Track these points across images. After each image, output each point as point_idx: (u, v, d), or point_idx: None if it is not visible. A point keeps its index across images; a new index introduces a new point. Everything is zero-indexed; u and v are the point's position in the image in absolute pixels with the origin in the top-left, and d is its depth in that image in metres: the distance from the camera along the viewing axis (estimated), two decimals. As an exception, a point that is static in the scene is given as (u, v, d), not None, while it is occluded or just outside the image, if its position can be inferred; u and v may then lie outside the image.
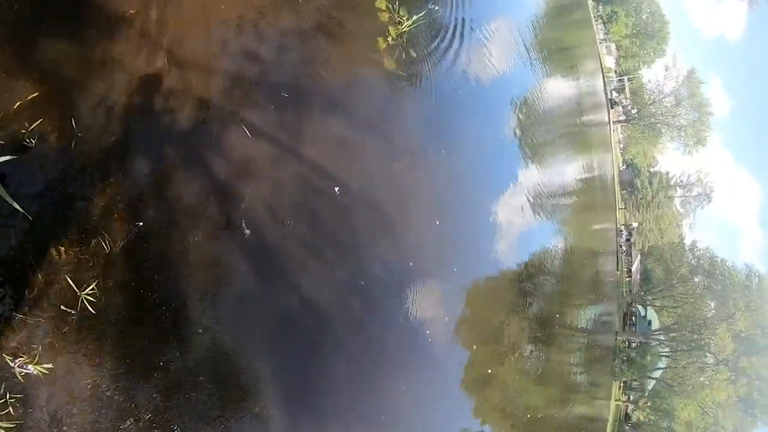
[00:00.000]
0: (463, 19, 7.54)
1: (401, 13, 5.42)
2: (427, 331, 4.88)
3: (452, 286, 5.54)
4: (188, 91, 2.93)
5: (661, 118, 47.42)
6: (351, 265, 3.96)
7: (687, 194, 45.12)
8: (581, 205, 15.11)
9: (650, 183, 43.53)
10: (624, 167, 43.92)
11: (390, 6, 5.34)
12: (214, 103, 3.08)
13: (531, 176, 9.13)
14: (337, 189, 3.78)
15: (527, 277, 8.02)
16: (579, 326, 13.36)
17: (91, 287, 2.22)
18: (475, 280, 6.21)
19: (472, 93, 7.28)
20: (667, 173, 46.40)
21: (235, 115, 3.16)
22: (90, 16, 2.55)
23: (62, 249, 2.27)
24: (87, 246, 2.33)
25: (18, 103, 2.08)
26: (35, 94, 2.12)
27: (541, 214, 9.49)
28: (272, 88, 3.58)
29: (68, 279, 2.13)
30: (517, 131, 9.06)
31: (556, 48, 20.42)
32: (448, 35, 6.76)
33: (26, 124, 2.03)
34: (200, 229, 2.75)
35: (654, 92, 51.32)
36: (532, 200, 8.89)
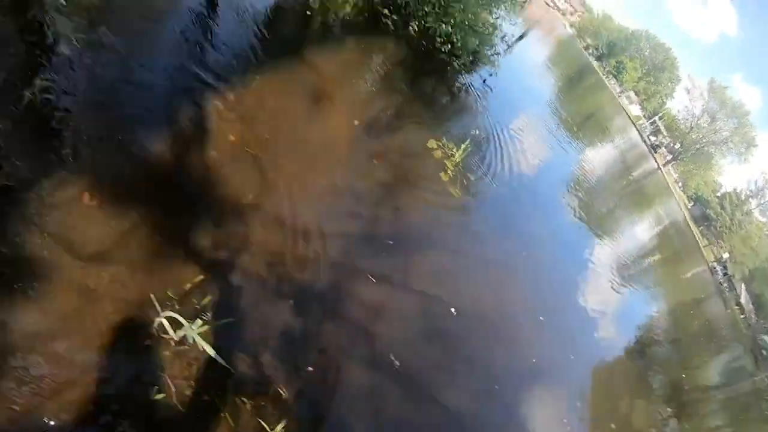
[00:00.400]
0: (498, 130, 8.33)
1: (450, 146, 6.12)
2: (564, 420, 4.86)
3: (574, 376, 5.55)
4: (317, 257, 3.48)
5: (704, 140, 46.42)
6: (483, 374, 4.18)
7: (762, 201, 42.18)
8: (665, 259, 14.65)
9: (722, 208, 41.04)
10: (691, 204, 41.97)
11: (439, 143, 6.07)
12: (341, 262, 3.60)
13: (607, 251, 9.20)
14: (453, 310, 4.16)
15: (640, 352, 7.75)
16: (710, 384, 12.25)
17: (281, 425, 2.56)
18: (592, 366, 6.15)
19: (528, 189, 7.78)
20: (735, 190, 43.83)
21: (359, 267, 3.67)
22: (217, 207, 3.20)
23: (251, 394, 2.65)
24: (268, 390, 2.70)
25: (188, 285, 2.64)
26: (200, 277, 2.69)
27: (631, 284, 9.35)
28: (379, 238, 4.13)
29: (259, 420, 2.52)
30: (579, 211, 9.35)
31: (582, 119, 21.15)
32: (492, 149, 7.43)
33: (198, 300, 2.55)
34: (357, 365, 3.14)
35: (687, 119, 50.95)
36: (617, 274, 8.86)
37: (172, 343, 2.39)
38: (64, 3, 3.17)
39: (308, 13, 6.22)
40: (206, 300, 2.55)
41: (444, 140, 6.15)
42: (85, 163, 2.73)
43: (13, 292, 2.10)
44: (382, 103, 5.91)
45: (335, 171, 4.43)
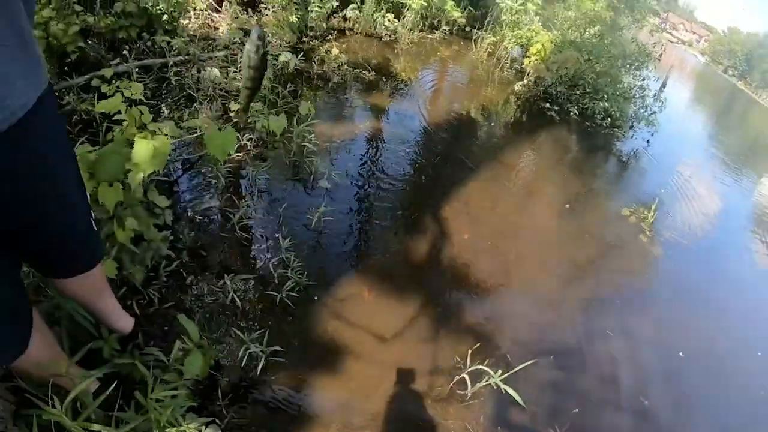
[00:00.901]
0: (676, 183, 8.60)
1: (641, 210, 6.58)
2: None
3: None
4: (563, 321, 4.05)
5: None
6: (720, 403, 4.35)
7: None
8: None
9: None
10: None
11: (631, 210, 6.56)
12: (583, 322, 4.20)
13: None
14: (681, 353, 4.48)
15: None
16: None
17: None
18: None
19: (719, 235, 7.77)
20: None
21: (598, 326, 4.18)
22: (471, 290, 3.76)
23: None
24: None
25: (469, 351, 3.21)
26: (476, 345, 3.25)
27: None
28: (606, 300, 4.67)
29: None
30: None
31: (750, 148, 19.57)
32: (676, 203, 7.69)
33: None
34: (613, 408, 3.61)
35: None
36: None
37: (468, 397, 2.94)
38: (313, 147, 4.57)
39: (480, 119, 7.48)
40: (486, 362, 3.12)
41: (634, 206, 6.64)
42: (360, 267, 3.66)
43: (318, 371, 2.73)
44: (572, 185, 6.65)
45: (554, 249, 5.16)
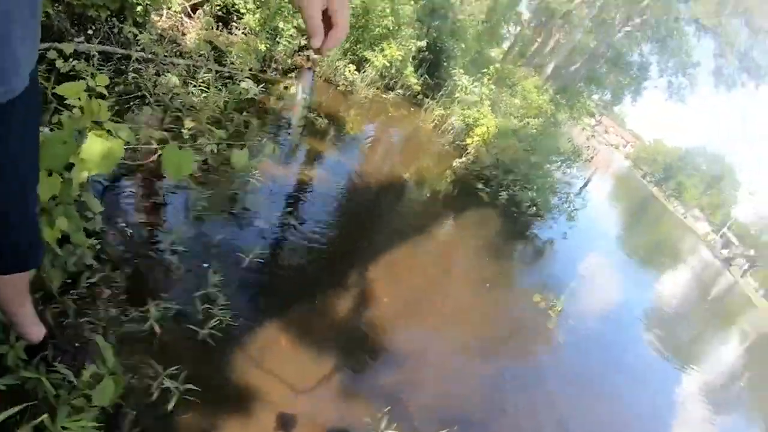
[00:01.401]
0: (585, 275, 9.27)
1: (551, 297, 6.95)
2: None
3: None
4: (467, 393, 4.07)
5: (780, 240, 45.29)
6: None
7: None
8: (758, 376, 13.86)
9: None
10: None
11: (542, 296, 6.90)
12: (489, 396, 4.33)
13: (696, 380, 9.18)
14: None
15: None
16: None
17: None
18: None
19: (616, 326, 8.40)
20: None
21: (500, 403, 4.38)
22: (386, 351, 3.59)
23: None
24: None
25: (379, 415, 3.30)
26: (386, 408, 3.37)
27: (724, 411, 9.19)
28: (509, 380, 4.86)
29: None
30: (661, 343, 9.68)
31: (652, 248, 21.40)
32: (583, 294, 8.25)
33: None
34: None
35: (757, 222, 49.72)
36: (709, 402, 8.79)
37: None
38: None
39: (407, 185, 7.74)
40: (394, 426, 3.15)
41: (545, 292, 7.01)
42: (284, 315, 3.61)
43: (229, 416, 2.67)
44: (491, 266, 6.95)
45: (468, 325, 5.30)
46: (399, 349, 4.09)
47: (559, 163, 11.14)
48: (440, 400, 3.91)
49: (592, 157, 16.04)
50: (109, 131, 2.39)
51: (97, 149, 2.22)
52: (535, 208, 9.64)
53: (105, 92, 2.96)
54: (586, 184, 17.12)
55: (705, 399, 8.85)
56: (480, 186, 9.22)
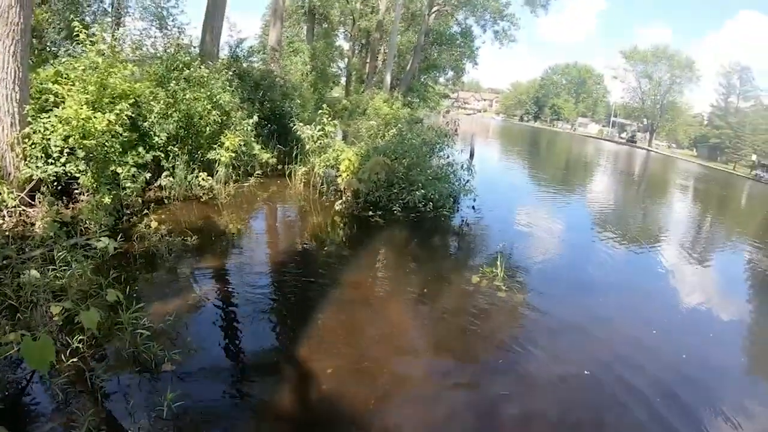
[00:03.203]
0: (509, 233, 9.42)
1: (488, 270, 6.89)
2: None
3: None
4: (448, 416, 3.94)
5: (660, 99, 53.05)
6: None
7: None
8: None
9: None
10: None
11: (481, 275, 6.81)
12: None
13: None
14: (587, 372, 4.53)
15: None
16: None
17: None
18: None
19: (559, 245, 8.56)
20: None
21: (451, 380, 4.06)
22: (340, 416, 3.69)
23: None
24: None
25: None
26: None
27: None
28: (487, 364, 4.61)
29: None
30: (621, 234, 10.04)
31: (564, 173, 22.48)
32: (516, 250, 8.31)
33: None
34: None
35: (635, 97, 56.90)
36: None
37: None
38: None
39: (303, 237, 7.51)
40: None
41: (481, 269, 6.96)
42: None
43: None
44: (419, 275, 6.82)
45: (426, 344, 5.10)
46: (361, 409, 3.82)
47: (431, 151, 11.38)
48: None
49: (456, 129, 16.64)
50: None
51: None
52: (431, 202, 9.73)
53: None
54: (471, 155, 17.73)
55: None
56: (370, 213, 9.17)
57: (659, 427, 4.06)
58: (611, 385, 4.59)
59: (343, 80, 40.58)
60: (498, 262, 6.80)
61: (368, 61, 36.27)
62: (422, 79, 35.45)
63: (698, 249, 11.09)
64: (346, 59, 39.89)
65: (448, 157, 11.75)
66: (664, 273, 8.42)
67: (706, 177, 33.21)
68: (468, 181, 11.01)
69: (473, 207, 10.77)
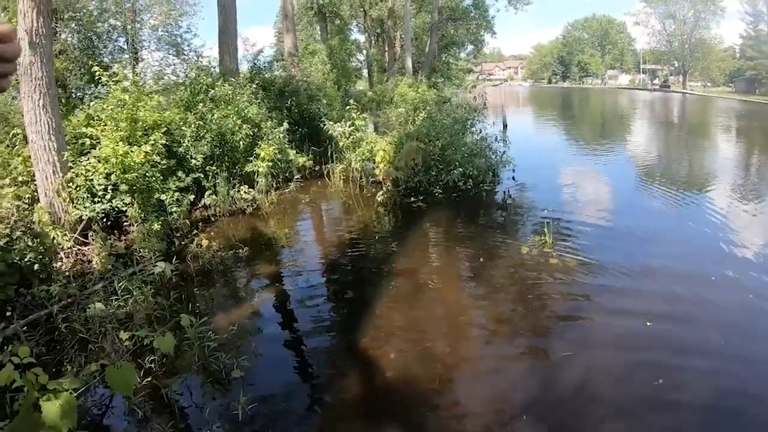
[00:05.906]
0: (553, 197, 9.31)
1: (536, 238, 6.86)
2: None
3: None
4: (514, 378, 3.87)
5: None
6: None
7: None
8: None
9: None
10: None
11: (528, 245, 6.80)
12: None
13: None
14: (648, 323, 4.48)
15: None
16: None
17: None
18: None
19: (606, 200, 8.38)
20: None
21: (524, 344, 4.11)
22: (414, 400, 3.71)
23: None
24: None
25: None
26: None
27: None
28: (551, 330, 4.63)
29: None
30: (662, 179, 9.73)
31: (600, 127, 21.75)
32: (562, 213, 8.22)
33: None
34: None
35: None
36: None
37: None
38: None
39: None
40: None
41: (530, 239, 6.95)
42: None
43: None
44: (468, 253, 6.84)
45: (484, 320, 5.05)
46: (426, 391, 3.85)
47: (463, 128, 11.35)
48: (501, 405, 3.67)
49: (485, 103, 16.41)
50: (54, 390, 2.47)
51: (53, 413, 2.32)
52: (470, 179, 9.72)
53: (33, 360, 3.04)
54: (505, 126, 17.48)
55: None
56: (413, 199, 9.26)
57: (727, 373, 3.92)
58: (674, 336, 4.46)
59: (365, 72, 40.55)
60: (545, 230, 6.75)
61: (386, 49, 36.13)
62: (443, 58, 35.01)
63: (751, 192, 10.58)
64: (365, 51, 39.83)
65: (480, 131, 11.67)
66: (719, 221, 8.10)
67: (747, 113, 31.21)
68: (504, 152, 10.92)
69: (513, 177, 10.67)
